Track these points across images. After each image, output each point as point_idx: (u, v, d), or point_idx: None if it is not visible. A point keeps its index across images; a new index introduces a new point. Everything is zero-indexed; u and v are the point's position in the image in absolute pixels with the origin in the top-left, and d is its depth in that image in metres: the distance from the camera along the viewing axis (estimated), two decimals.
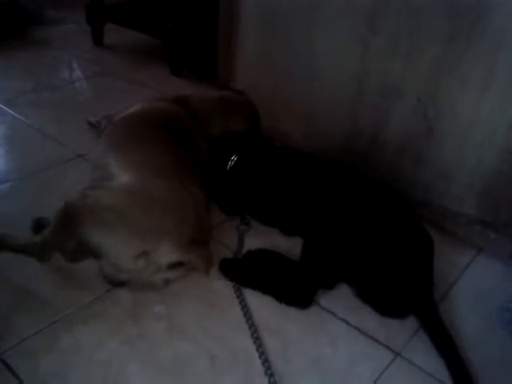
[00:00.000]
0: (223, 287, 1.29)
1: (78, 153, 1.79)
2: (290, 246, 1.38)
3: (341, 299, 1.28)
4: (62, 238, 1.21)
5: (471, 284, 1.37)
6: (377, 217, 1.25)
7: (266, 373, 1.08)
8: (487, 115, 1.38)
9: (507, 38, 1.28)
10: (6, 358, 1.08)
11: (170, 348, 1.13)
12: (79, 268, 1.30)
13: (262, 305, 1.25)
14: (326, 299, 1.28)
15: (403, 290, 1.21)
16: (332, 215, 1.28)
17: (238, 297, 1.26)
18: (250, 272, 1.32)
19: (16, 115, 2.02)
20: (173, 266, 1.22)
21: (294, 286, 1.25)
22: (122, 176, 1.28)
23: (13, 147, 1.87)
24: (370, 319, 1.23)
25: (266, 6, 1.80)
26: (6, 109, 2.06)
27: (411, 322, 1.23)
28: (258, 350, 1.13)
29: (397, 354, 1.16)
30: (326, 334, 1.20)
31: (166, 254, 1.19)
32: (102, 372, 1.07)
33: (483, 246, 1.48)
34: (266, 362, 1.10)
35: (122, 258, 1.18)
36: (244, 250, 1.40)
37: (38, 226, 1.38)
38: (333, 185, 1.36)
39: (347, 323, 1.22)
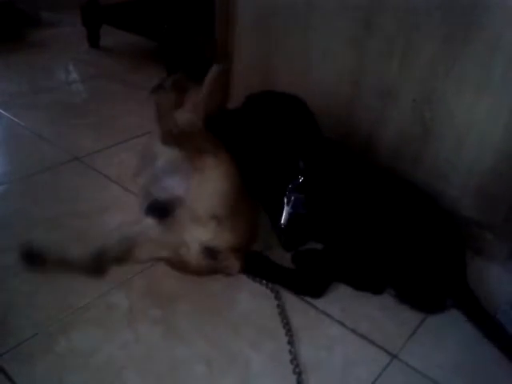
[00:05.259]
0: (220, 291, 1.29)
1: (75, 155, 1.79)
2: None
3: (337, 301, 1.28)
4: None
5: None
6: (409, 214, 1.32)
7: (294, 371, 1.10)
8: (483, 116, 1.37)
9: (502, 40, 1.28)
10: (2, 362, 1.07)
11: (166, 352, 1.12)
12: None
13: (259, 307, 1.25)
14: (322, 302, 1.28)
15: (443, 283, 1.25)
16: (370, 218, 1.32)
17: (276, 299, 1.27)
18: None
19: (11, 117, 2.02)
20: (208, 253, 1.22)
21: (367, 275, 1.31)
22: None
23: (8, 150, 1.87)
24: (366, 321, 1.23)
25: (262, 7, 1.79)
26: (2, 111, 2.05)
27: (408, 324, 1.23)
28: (290, 352, 1.13)
29: (394, 357, 1.15)
30: (322, 336, 1.19)
31: (220, 238, 1.21)
32: (99, 377, 1.07)
33: (480, 248, 1.48)
34: (297, 368, 1.10)
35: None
36: None
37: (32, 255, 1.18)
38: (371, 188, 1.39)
39: (344, 325, 1.22)
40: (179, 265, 1.25)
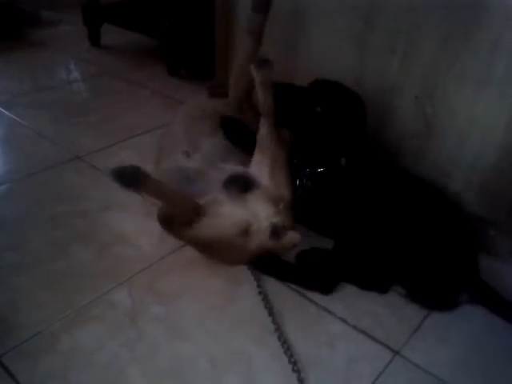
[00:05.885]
0: (222, 288, 1.29)
1: (76, 154, 1.79)
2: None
3: (340, 299, 1.28)
4: None
5: None
6: (420, 211, 1.32)
7: (293, 369, 1.09)
8: (484, 113, 1.37)
9: (502, 38, 1.28)
10: (5, 360, 1.08)
11: (169, 350, 1.13)
12: (77, 269, 1.31)
13: (260, 305, 1.25)
14: (324, 299, 1.27)
15: (456, 278, 1.26)
16: (379, 214, 1.33)
17: (262, 299, 1.26)
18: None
19: (13, 117, 2.02)
20: (274, 232, 1.25)
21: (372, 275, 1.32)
22: None
23: (10, 149, 1.87)
24: (368, 318, 1.23)
25: None
26: (3, 110, 2.06)
27: (410, 321, 1.23)
28: (285, 353, 1.12)
29: (396, 353, 1.15)
30: (324, 333, 1.19)
31: (284, 220, 1.26)
32: (103, 375, 1.07)
33: (483, 244, 1.47)
34: (295, 365, 1.09)
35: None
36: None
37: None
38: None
39: (346, 322, 1.22)
40: (235, 247, 1.27)
